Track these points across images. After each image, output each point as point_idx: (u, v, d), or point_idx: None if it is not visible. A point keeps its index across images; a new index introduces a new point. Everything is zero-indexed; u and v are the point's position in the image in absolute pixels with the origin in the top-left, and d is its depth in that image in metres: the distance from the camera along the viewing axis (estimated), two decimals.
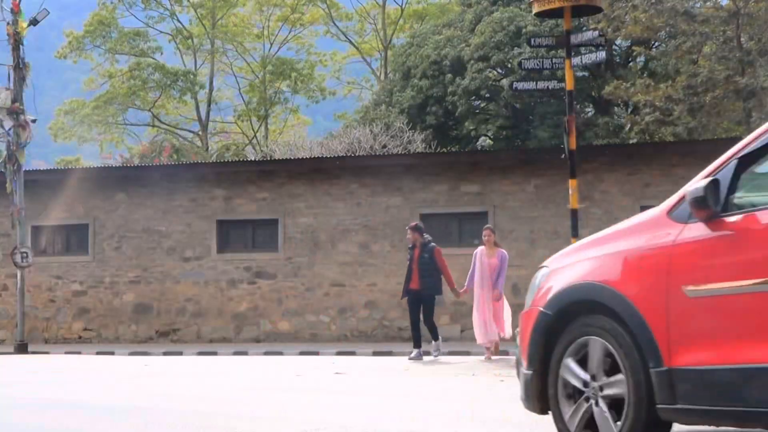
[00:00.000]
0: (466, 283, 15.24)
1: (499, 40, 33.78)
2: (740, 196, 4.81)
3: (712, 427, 5.06)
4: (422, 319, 14.92)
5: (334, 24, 49.50)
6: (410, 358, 14.62)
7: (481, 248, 15.27)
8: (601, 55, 13.67)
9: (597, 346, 5.00)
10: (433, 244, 15.09)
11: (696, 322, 4.60)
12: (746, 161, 4.86)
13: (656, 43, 32.22)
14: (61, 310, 23.52)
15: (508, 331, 14.98)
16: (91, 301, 23.39)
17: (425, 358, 14.71)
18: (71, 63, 48.55)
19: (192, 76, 46.55)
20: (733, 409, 4.50)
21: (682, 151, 21.54)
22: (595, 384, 5.03)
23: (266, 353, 18.21)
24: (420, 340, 15.00)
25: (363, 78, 52.15)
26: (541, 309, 5.32)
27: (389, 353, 17.80)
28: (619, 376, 4.88)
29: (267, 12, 49.35)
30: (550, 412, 5.34)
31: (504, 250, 15.44)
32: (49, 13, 21.41)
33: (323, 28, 50.19)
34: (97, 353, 19.56)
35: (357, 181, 22.20)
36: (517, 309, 22.18)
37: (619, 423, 4.89)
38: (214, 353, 18.81)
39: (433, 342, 15.09)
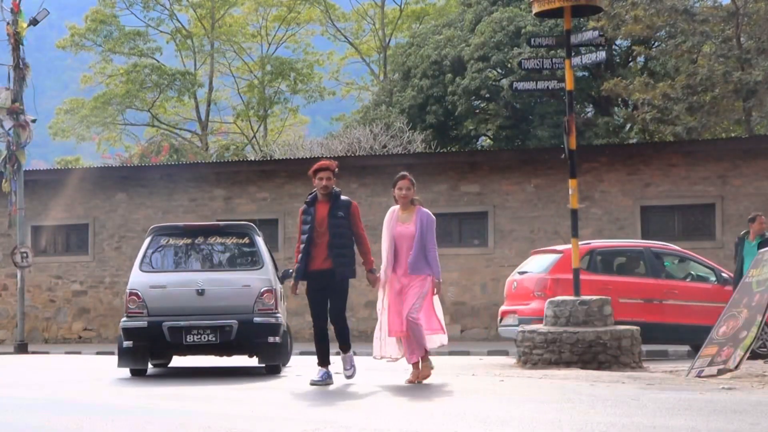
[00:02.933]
0: (381, 269, 9.93)
1: (499, 40, 33.77)
2: None
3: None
4: (330, 316, 9.93)
5: (333, 24, 49.49)
6: (314, 382, 9.75)
7: (393, 209, 10.05)
8: (601, 55, 13.64)
9: None
10: (346, 197, 10.05)
11: None
12: None
13: (656, 43, 32.22)
14: (61, 310, 23.53)
15: (439, 340, 10.15)
16: (91, 301, 23.39)
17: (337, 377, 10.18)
18: (71, 63, 48.55)
19: (190, 76, 46.53)
20: None
21: (682, 151, 21.57)
22: None
23: None
24: (329, 352, 9.98)
25: (361, 78, 52.15)
26: None
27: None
28: None
29: (263, 12, 49.35)
30: None
31: (428, 211, 10.00)
32: (49, 13, 21.41)
33: (320, 28, 50.20)
34: (97, 353, 19.54)
35: (357, 181, 22.20)
36: None
37: None
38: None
39: (342, 354, 10.04)
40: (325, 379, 9.76)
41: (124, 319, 11.35)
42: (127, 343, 11.19)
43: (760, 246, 14.04)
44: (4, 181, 21.27)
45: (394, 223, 9.86)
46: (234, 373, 12.31)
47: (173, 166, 27.29)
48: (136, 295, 11.28)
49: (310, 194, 10.01)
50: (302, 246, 9.75)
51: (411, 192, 9.89)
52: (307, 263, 9.70)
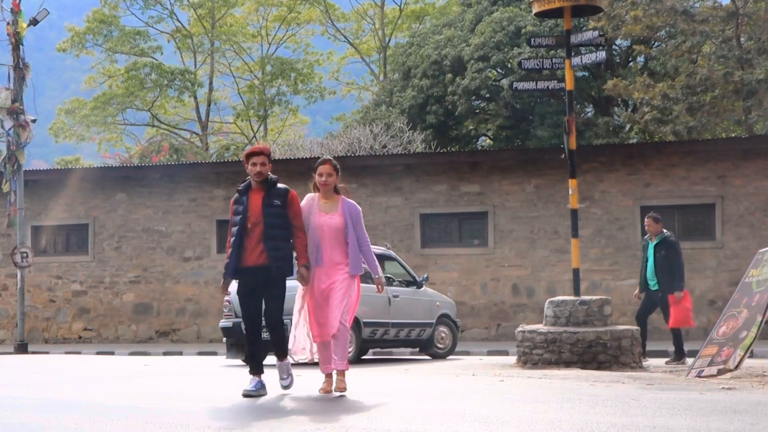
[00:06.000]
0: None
1: (499, 40, 33.79)
2: None
3: None
4: (265, 319, 8.68)
5: (333, 24, 49.52)
6: (247, 393, 8.49)
7: (311, 197, 8.86)
8: (601, 55, 13.65)
9: None
10: (284, 185, 8.76)
11: None
12: None
13: (656, 43, 32.25)
14: (61, 310, 23.52)
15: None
16: (91, 301, 23.39)
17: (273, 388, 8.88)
18: (71, 63, 48.61)
19: (190, 75, 46.55)
20: None
21: (682, 151, 21.58)
22: None
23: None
24: (261, 361, 8.87)
25: (361, 78, 52.18)
26: None
27: (389, 353, 17.79)
28: None
29: (263, 12, 49.39)
30: None
31: (353, 202, 8.96)
32: (49, 13, 21.41)
33: (320, 28, 50.24)
34: (97, 353, 19.54)
35: (357, 181, 22.20)
36: (518, 310, 22.38)
37: None
38: (214, 353, 18.79)
39: (277, 362, 8.86)
40: (259, 389, 8.53)
41: (222, 320, 14.66)
42: (224, 339, 14.54)
43: (656, 246, 13.96)
44: (4, 181, 21.27)
45: (315, 213, 8.70)
46: (234, 373, 12.32)
47: (173, 166, 27.29)
48: (228, 301, 14.24)
49: (243, 182, 8.84)
50: (233, 239, 8.52)
51: (333, 179, 8.75)
52: (238, 258, 8.48)
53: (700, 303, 20.58)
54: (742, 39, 26.43)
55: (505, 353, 16.89)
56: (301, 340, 8.82)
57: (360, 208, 8.94)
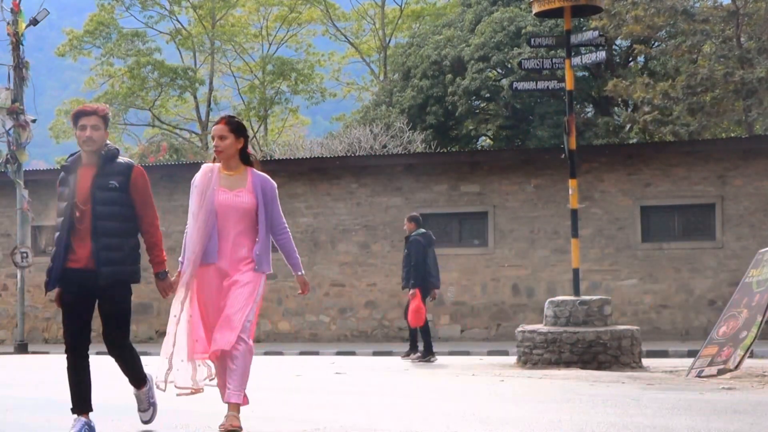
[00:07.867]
0: (181, 256, 6.86)
1: (499, 40, 33.80)
2: None
3: None
4: (105, 341, 6.93)
5: (333, 24, 49.53)
6: None
7: (209, 167, 6.53)
8: (601, 55, 13.66)
9: None
10: (127, 159, 6.51)
11: None
12: None
13: (656, 43, 32.26)
14: (61, 310, 23.52)
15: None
16: None
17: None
18: (71, 63, 48.61)
19: (191, 73, 46.56)
20: None
21: (682, 151, 21.57)
22: None
23: (266, 353, 18.21)
24: (90, 392, 6.75)
25: (361, 78, 52.19)
26: None
27: (389, 353, 17.79)
28: None
29: (264, 11, 49.42)
30: None
31: (266, 175, 6.56)
32: (49, 13, 21.40)
33: (321, 28, 50.26)
34: (97, 353, 19.52)
35: (357, 181, 22.20)
36: (518, 310, 22.39)
37: None
38: None
39: (135, 391, 7.01)
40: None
41: None
42: None
43: (405, 242, 14.47)
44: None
45: (214, 189, 6.39)
46: None
47: (173, 166, 27.26)
48: None
49: (72, 155, 6.76)
50: (56, 235, 6.49)
51: (228, 143, 6.41)
52: (63, 260, 6.41)
53: (700, 303, 20.59)
54: (742, 38, 26.44)
55: (505, 353, 16.90)
56: (168, 366, 6.75)
57: (275, 184, 6.54)
